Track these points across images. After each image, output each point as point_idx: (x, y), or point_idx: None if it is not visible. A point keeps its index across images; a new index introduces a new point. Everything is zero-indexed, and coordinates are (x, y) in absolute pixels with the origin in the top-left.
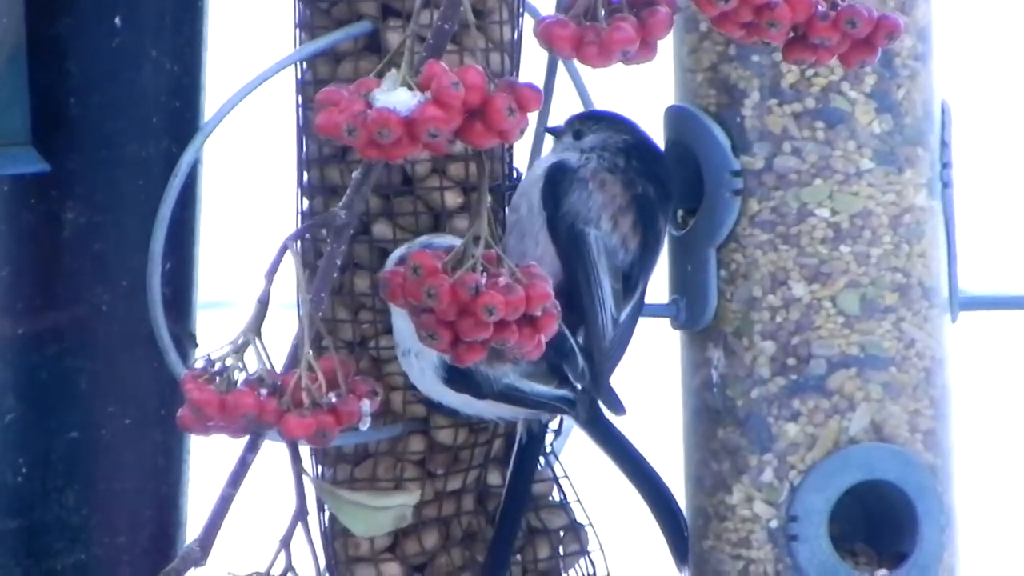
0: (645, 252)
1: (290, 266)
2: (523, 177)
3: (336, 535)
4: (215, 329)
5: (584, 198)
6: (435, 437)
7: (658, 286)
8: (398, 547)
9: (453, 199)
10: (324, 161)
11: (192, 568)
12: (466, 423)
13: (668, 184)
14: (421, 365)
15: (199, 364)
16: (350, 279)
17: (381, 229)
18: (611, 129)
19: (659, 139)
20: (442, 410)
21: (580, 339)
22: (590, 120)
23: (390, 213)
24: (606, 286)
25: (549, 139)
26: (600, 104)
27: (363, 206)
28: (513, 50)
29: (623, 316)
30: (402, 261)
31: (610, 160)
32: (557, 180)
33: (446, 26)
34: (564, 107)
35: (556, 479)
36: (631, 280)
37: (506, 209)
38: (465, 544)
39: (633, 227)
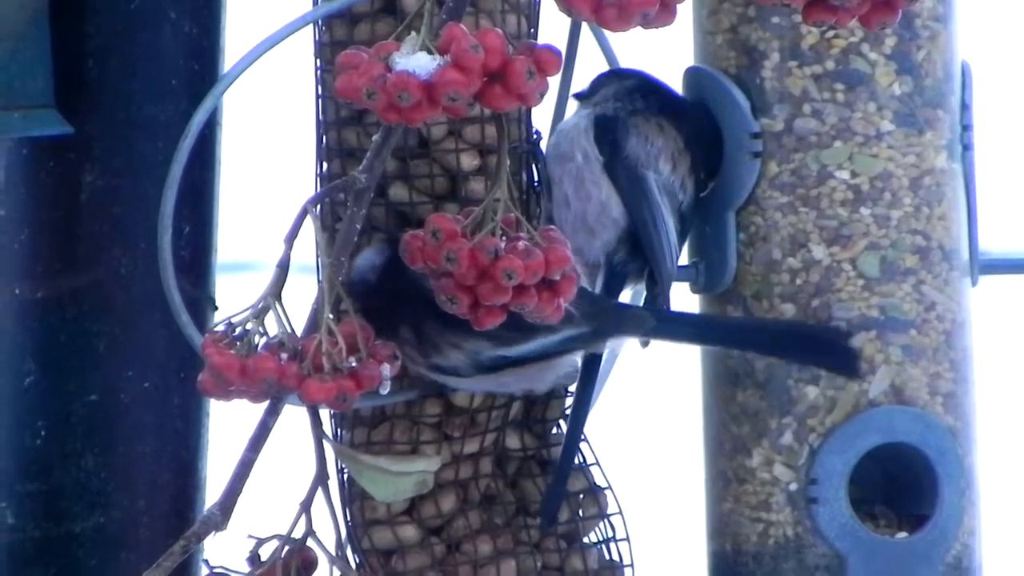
0: (696, 195)
1: (310, 230)
2: (554, 132)
3: (353, 498)
4: (237, 292)
5: (641, 142)
6: (452, 400)
7: None
8: (415, 510)
9: (469, 161)
10: (341, 124)
11: (212, 532)
12: None
13: (696, 120)
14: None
15: (219, 328)
16: (367, 242)
17: (398, 192)
18: (615, 80)
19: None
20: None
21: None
22: (598, 82)
23: (406, 176)
24: (671, 226)
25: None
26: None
27: (383, 169)
28: (531, 12)
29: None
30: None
31: (636, 105)
32: (610, 127)
33: None
34: (590, 70)
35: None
36: (685, 223)
37: (533, 168)
38: (483, 507)
39: (690, 170)
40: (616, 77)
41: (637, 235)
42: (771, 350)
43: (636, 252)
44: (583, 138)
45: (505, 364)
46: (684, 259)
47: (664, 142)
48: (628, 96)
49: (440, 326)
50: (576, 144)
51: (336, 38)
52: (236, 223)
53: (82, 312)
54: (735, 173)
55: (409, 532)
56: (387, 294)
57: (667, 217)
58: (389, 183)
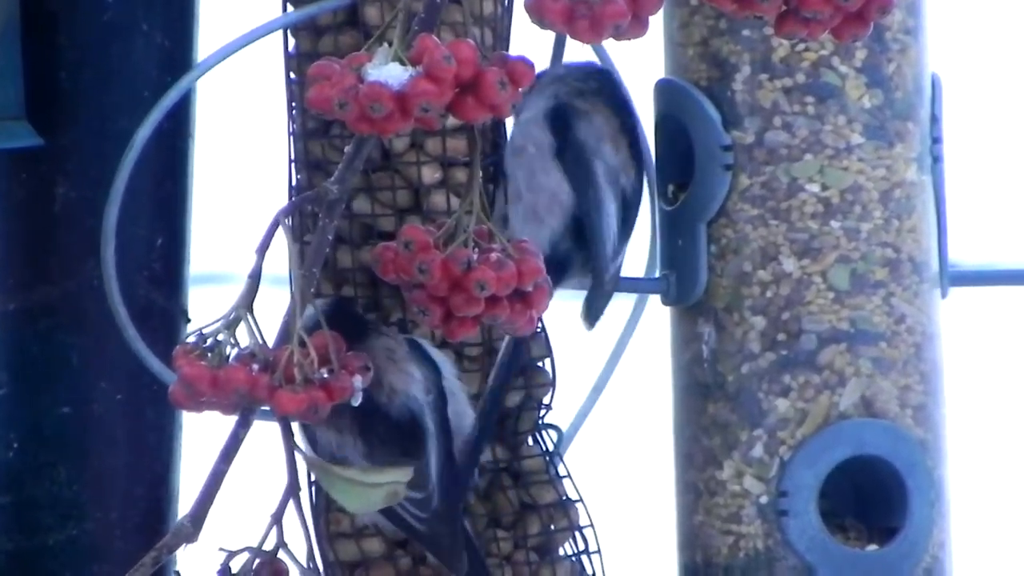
0: (639, 184)
1: (282, 241)
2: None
3: (319, 510)
4: (209, 303)
5: (586, 126)
6: None
7: (648, 261)
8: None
9: (431, 174)
10: (307, 136)
11: (184, 544)
12: None
13: (633, 109)
14: None
15: (191, 339)
16: (332, 254)
17: (361, 204)
18: (563, 69)
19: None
20: None
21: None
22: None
23: (369, 188)
24: (612, 212)
25: None
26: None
27: (354, 181)
28: (498, 24)
29: (619, 261)
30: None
31: (580, 88)
32: (560, 114)
33: (438, 0)
34: None
35: (547, 455)
36: (630, 210)
37: (497, 179)
38: None
39: (629, 154)
40: (565, 67)
41: (582, 217)
42: None
43: (581, 242)
44: (535, 128)
45: None
46: (655, 271)
47: (604, 120)
48: (577, 80)
49: None
50: (528, 136)
51: (302, 50)
52: (208, 234)
53: (55, 324)
54: (706, 185)
55: (374, 545)
56: None
57: (610, 204)
58: (353, 195)
